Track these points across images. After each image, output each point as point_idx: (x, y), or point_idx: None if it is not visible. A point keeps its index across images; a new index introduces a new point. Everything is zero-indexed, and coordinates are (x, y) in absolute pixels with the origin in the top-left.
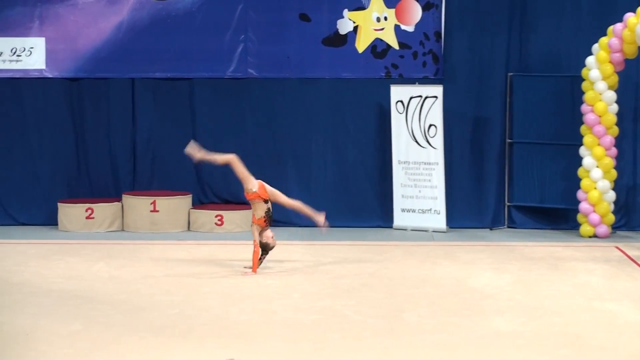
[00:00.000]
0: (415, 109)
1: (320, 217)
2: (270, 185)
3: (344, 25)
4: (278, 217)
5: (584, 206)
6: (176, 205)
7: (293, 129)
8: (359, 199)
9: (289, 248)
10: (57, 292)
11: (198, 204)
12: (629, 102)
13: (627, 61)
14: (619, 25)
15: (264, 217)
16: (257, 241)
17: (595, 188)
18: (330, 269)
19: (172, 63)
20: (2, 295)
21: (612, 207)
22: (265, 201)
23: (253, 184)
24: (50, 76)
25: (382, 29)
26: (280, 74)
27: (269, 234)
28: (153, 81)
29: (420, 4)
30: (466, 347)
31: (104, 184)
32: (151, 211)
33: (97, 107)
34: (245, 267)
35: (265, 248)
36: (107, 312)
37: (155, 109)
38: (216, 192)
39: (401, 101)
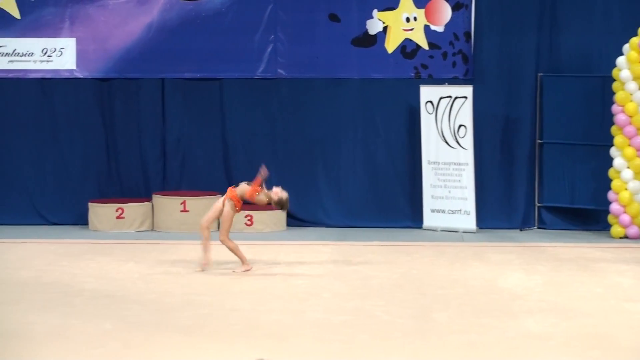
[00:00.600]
0: (445, 109)
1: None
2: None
3: (374, 26)
4: (307, 217)
5: (614, 207)
6: (206, 205)
7: (322, 129)
8: (389, 199)
9: (319, 248)
10: (88, 291)
11: None
12: None
13: None
14: None
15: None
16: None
17: (626, 189)
18: (359, 269)
19: (202, 63)
20: (34, 295)
21: None
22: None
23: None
24: (80, 76)
25: (412, 29)
26: (310, 74)
27: (275, 189)
28: (183, 81)
29: (450, 4)
30: (496, 348)
31: (134, 184)
32: (181, 211)
33: (127, 107)
34: (234, 271)
35: (281, 203)
36: (137, 312)
37: (185, 109)
38: None
39: (431, 101)
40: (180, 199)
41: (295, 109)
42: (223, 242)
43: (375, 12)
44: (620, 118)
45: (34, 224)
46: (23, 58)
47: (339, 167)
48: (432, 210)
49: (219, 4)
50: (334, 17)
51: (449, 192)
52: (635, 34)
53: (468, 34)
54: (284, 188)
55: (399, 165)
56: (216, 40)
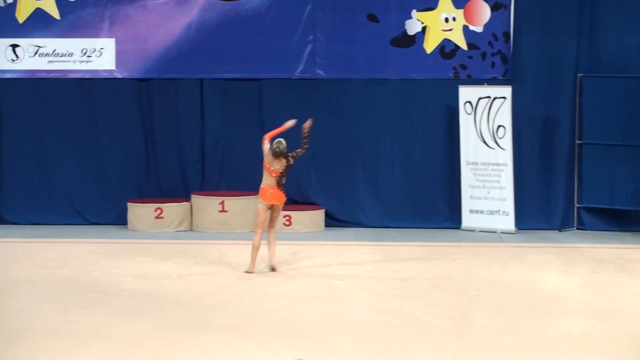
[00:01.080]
0: (484, 109)
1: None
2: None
3: (412, 26)
4: (345, 218)
5: None
6: (244, 205)
7: (361, 129)
8: (427, 200)
9: (357, 249)
10: (127, 291)
11: None
12: None
13: None
14: None
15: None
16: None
17: None
18: (398, 269)
19: (241, 64)
20: (74, 294)
21: None
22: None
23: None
24: (120, 77)
25: (451, 30)
26: (348, 74)
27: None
28: (222, 82)
29: (489, 5)
30: (534, 349)
31: (173, 184)
32: (220, 211)
33: (166, 107)
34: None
35: (273, 151)
36: (176, 312)
37: (223, 109)
38: (285, 193)
39: (469, 102)
40: (218, 199)
41: (333, 110)
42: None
43: (414, 13)
44: None
45: (73, 223)
46: (63, 58)
47: (377, 167)
48: (471, 211)
49: (258, 5)
50: (372, 18)
51: (488, 192)
52: None
53: (507, 34)
54: (322, 187)
55: (437, 165)
56: (255, 41)
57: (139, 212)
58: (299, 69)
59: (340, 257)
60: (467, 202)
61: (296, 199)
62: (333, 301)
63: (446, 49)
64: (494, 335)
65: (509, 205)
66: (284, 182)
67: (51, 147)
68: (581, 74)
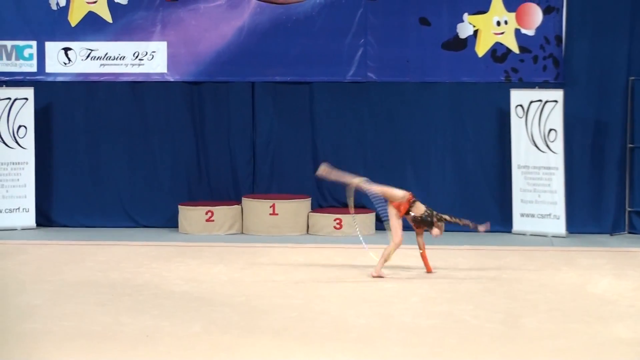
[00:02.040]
0: (535, 113)
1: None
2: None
3: (464, 29)
4: None
5: None
6: (295, 209)
7: (412, 133)
8: (478, 203)
9: (407, 252)
10: (177, 294)
11: (317, 207)
12: None
13: None
14: None
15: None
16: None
17: None
18: (449, 273)
19: (292, 67)
20: (125, 297)
21: None
22: (407, 212)
23: (401, 195)
24: (171, 80)
25: (503, 33)
26: (400, 78)
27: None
28: (273, 85)
29: (541, 8)
30: (586, 353)
31: (224, 187)
32: (270, 214)
33: (218, 110)
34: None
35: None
36: (226, 315)
37: (275, 112)
38: (335, 196)
39: (521, 105)
40: (269, 202)
41: (385, 113)
42: None
43: (465, 16)
44: None
45: (124, 226)
46: (115, 62)
47: (428, 171)
48: (522, 215)
49: (309, 8)
50: (424, 21)
51: (539, 196)
52: None
53: (559, 38)
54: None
55: (488, 169)
56: (306, 44)
57: (190, 215)
58: (350, 72)
59: (390, 261)
60: (518, 206)
61: (347, 203)
62: (383, 305)
63: (498, 53)
64: (545, 339)
65: (560, 209)
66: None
67: (102, 150)
68: (633, 78)
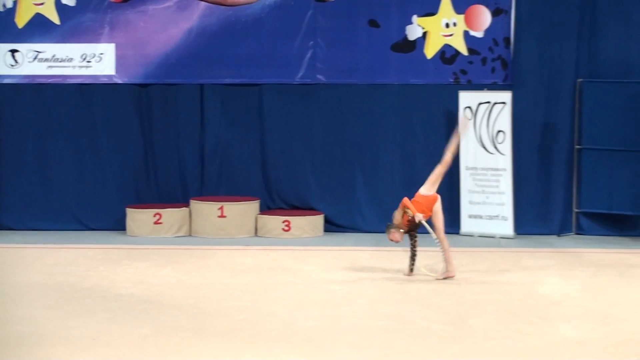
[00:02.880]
0: (484, 115)
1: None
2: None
3: (413, 31)
4: (345, 223)
5: None
6: (244, 211)
7: (361, 134)
8: None
9: (356, 254)
10: (125, 297)
11: (265, 209)
12: None
13: None
14: None
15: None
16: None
17: None
18: (396, 274)
19: (241, 69)
20: (72, 300)
21: None
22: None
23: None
24: (119, 82)
25: (451, 35)
26: (349, 79)
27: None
28: (222, 87)
29: (489, 10)
30: (534, 354)
31: (172, 189)
32: (219, 217)
33: (166, 112)
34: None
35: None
36: (175, 317)
37: (223, 114)
38: (284, 198)
39: (469, 107)
40: (218, 205)
41: (334, 115)
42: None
43: (414, 18)
44: None
45: (72, 229)
46: (62, 63)
47: (376, 172)
48: (470, 216)
49: (258, 10)
50: (373, 23)
51: (487, 197)
52: None
53: (507, 40)
54: (321, 192)
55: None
56: (255, 46)
57: (138, 218)
58: (300, 74)
59: (339, 263)
60: (466, 207)
61: (295, 205)
62: (332, 306)
63: (447, 54)
64: (492, 340)
65: (507, 210)
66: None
67: (50, 152)
68: (581, 79)
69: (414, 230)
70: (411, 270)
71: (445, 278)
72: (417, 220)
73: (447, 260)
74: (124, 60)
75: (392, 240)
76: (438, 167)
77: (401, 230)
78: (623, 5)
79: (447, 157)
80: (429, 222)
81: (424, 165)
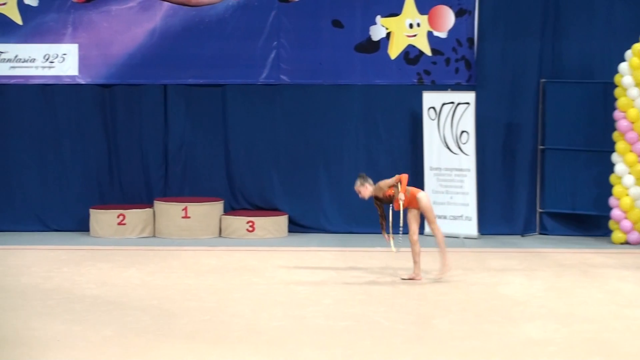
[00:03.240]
0: (448, 115)
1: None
2: (303, 193)
3: (377, 32)
4: (309, 223)
5: (616, 213)
6: (208, 212)
7: (325, 135)
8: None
9: (320, 254)
10: (89, 298)
11: (230, 210)
12: None
13: None
14: None
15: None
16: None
17: (627, 195)
18: (361, 275)
19: (205, 69)
20: (34, 302)
21: None
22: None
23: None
24: (83, 82)
25: (415, 35)
26: (313, 80)
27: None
28: (185, 87)
29: (453, 10)
30: (498, 354)
31: (136, 190)
32: (183, 217)
33: (130, 113)
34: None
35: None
36: (138, 318)
37: (187, 115)
38: (248, 199)
39: (433, 107)
40: (182, 205)
41: (297, 115)
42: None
43: (378, 18)
44: (622, 124)
45: (35, 230)
46: (25, 64)
47: (341, 173)
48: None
49: (222, 11)
50: (337, 24)
51: (451, 198)
52: (637, 40)
53: (471, 40)
54: (286, 193)
55: (401, 171)
56: (219, 47)
57: (102, 219)
58: (263, 75)
59: (304, 263)
60: None
61: (259, 205)
62: (296, 307)
63: (410, 55)
64: (457, 340)
65: (471, 210)
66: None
67: (12, 153)
68: (544, 80)
69: (383, 203)
70: (384, 230)
71: (410, 279)
72: (400, 199)
73: (416, 262)
74: (87, 60)
75: (358, 192)
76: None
77: (371, 192)
78: (586, 6)
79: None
80: (405, 213)
81: (388, 165)
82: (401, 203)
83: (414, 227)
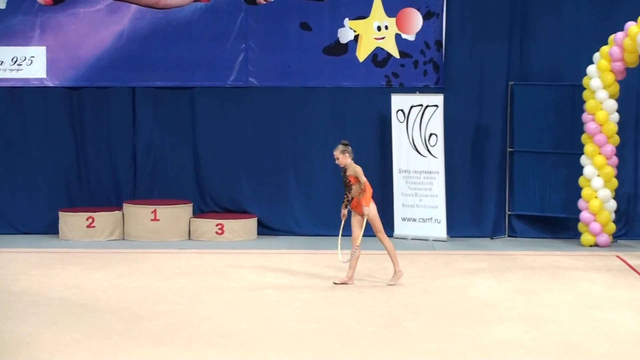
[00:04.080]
0: (416, 117)
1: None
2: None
3: (345, 34)
4: (278, 226)
5: (584, 215)
6: (177, 214)
7: (294, 137)
8: None
9: (290, 257)
10: (58, 300)
11: (199, 212)
12: (630, 111)
13: (628, 70)
14: (620, 34)
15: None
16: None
17: (596, 197)
18: (330, 277)
19: (173, 72)
20: (3, 304)
21: (613, 216)
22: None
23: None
24: (51, 85)
25: (383, 38)
26: (281, 82)
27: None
28: (154, 90)
29: (421, 13)
30: (468, 355)
31: (104, 192)
32: (152, 220)
33: (98, 116)
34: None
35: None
36: (108, 321)
37: (155, 117)
38: (217, 201)
39: (402, 110)
40: (150, 208)
41: (266, 118)
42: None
43: (346, 21)
44: (590, 126)
45: (3, 233)
46: None
47: (309, 175)
48: (403, 219)
49: (190, 13)
50: (305, 26)
51: (420, 200)
52: (606, 43)
53: (439, 43)
54: (255, 195)
55: (369, 173)
56: (187, 49)
57: (70, 221)
58: (232, 77)
59: (273, 266)
60: (399, 210)
61: (228, 208)
62: (266, 310)
63: (378, 57)
64: (427, 342)
65: (440, 213)
66: (352, 195)
67: None
68: (512, 82)
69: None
70: (345, 206)
71: (342, 283)
72: (365, 212)
73: (351, 266)
74: (55, 63)
75: (337, 158)
76: (382, 234)
77: (347, 165)
78: (554, 9)
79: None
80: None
81: None
82: (367, 213)
83: (357, 232)
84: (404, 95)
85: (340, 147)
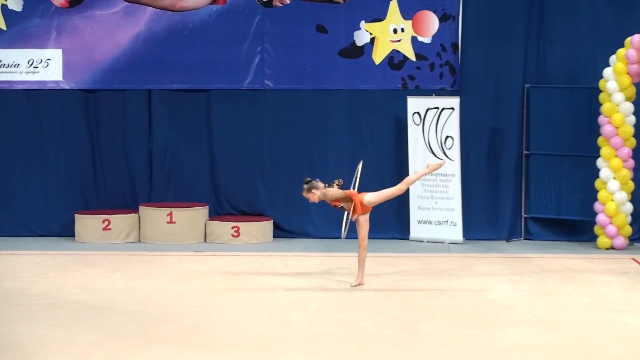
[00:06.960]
0: (432, 120)
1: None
2: (287, 198)
3: (361, 37)
4: (294, 229)
5: (601, 218)
6: (193, 217)
7: (310, 140)
8: (375, 210)
9: (305, 259)
10: (74, 303)
11: (214, 215)
12: None
13: None
14: (636, 37)
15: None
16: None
17: (612, 200)
18: (346, 280)
19: (189, 74)
20: (20, 307)
21: (629, 218)
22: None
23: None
24: (67, 88)
25: (399, 41)
26: (297, 85)
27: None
28: (169, 93)
29: (437, 16)
30: (483, 359)
31: (120, 195)
32: (168, 222)
33: (114, 118)
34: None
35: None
36: (123, 323)
37: (171, 120)
38: (232, 203)
39: (418, 113)
40: (166, 210)
41: (282, 121)
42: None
43: (362, 24)
44: (606, 129)
45: (20, 235)
46: (9, 69)
47: (325, 178)
48: (419, 222)
49: (206, 15)
50: (321, 29)
51: (436, 203)
52: (622, 45)
53: (455, 45)
54: (270, 198)
55: (385, 176)
56: (203, 52)
57: (86, 224)
58: (247, 80)
59: (289, 268)
60: (415, 213)
61: (244, 210)
62: (281, 312)
63: (395, 60)
64: (442, 345)
65: (456, 215)
66: (347, 210)
67: None
68: (528, 85)
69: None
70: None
71: (358, 285)
72: (352, 219)
73: (360, 268)
74: (71, 65)
75: (308, 199)
76: (391, 189)
77: (320, 197)
78: (570, 11)
79: (402, 186)
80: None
81: (372, 170)
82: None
83: (363, 232)
84: (420, 98)
85: (304, 187)
